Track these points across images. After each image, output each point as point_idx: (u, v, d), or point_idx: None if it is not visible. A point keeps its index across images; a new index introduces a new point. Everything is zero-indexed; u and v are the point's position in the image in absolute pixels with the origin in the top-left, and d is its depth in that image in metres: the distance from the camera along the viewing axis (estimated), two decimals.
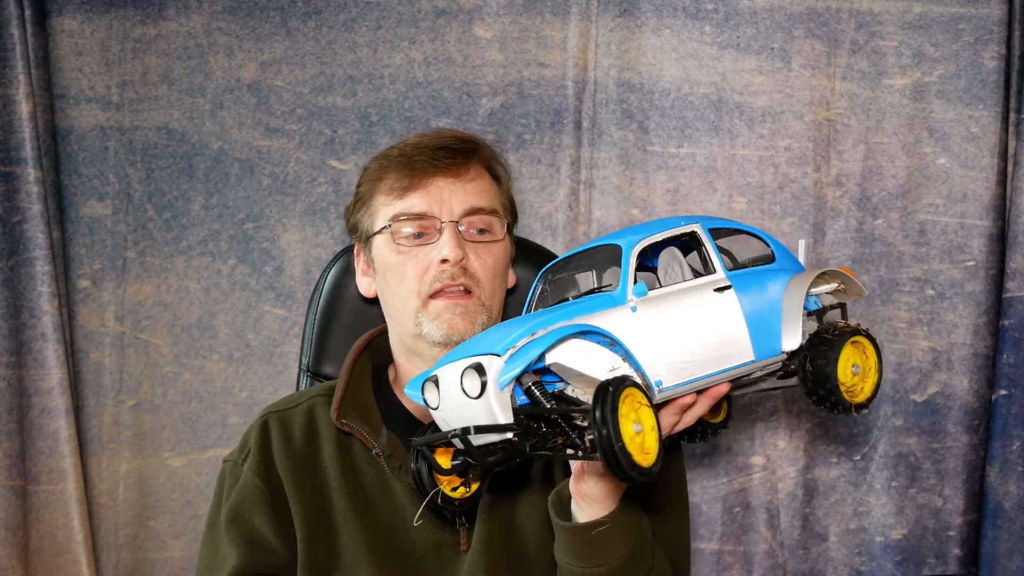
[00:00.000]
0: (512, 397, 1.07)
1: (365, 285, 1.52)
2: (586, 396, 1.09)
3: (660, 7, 2.05)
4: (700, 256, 1.20)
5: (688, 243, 1.22)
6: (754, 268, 1.23)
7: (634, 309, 1.12)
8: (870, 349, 1.23)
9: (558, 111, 2.07)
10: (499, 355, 1.06)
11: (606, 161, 2.07)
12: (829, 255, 2.06)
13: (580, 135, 2.08)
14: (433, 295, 1.39)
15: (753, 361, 1.17)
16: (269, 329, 2.10)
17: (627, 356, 1.10)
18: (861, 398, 1.22)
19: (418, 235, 1.41)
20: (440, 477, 1.20)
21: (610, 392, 1.01)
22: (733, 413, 1.38)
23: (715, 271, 1.18)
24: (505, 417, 1.05)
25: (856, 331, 1.22)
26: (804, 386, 1.21)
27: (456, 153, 1.43)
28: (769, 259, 1.25)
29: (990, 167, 2.04)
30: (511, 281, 1.53)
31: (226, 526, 1.40)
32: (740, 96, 2.06)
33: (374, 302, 1.52)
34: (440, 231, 1.40)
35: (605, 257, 1.22)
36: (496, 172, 1.49)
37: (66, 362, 2.04)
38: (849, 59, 2.05)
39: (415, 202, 1.42)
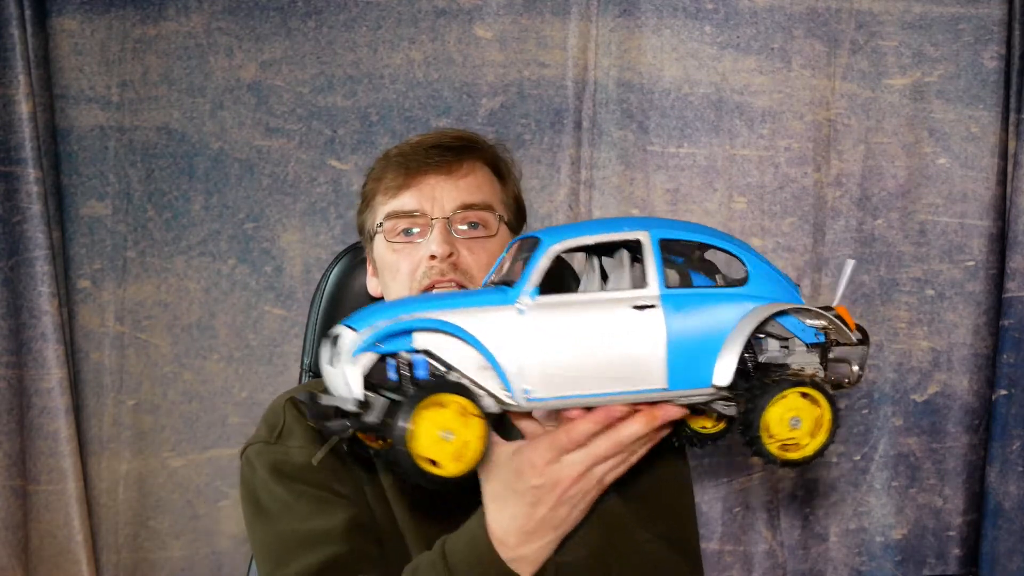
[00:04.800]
0: (385, 371, 1.05)
1: (373, 286, 1.53)
2: (466, 382, 1.07)
3: (660, 7, 2.05)
4: (641, 267, 1.10)
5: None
6: (711, 291, 1.11)
7: (521, 312, 1.06)
8: (825, 404, 1.09)
9: (558, 111, 2.07)
10: (356, 330, 1.05)
11: (606, 161, 2.07)
12: (829, 255, 2.06)
13: (580, 135, 2.07)
14: (424, 291, 1.38)
15: (665, 389, 1.07)
16: (269, 329, 2.10)
17: (488, 359, 1.05)
18: (797, 455, 1.11)
19: (411, 232, 1.42)
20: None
21: (412, 396, 1.00)
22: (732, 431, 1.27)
23: (648, 286, 1.07)
24: (356, 390, 1.03)
25: (804, 383, 1.08)
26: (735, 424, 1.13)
27: (449, 151, 1.43)
28: (741, 282, 1.12)
29: (990, 167, 2.04)
30: None
31: (303, 488, 1.34)
32: (740, 96, 2.06)
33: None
34: (432, 227, 1.40)
35: (528, 247, 1.12)
36: (499, 170, 1.49)
37: (66, 362, 2.04)
38: (849, 59, 2.05)
39: (407, 200, 1.42)
